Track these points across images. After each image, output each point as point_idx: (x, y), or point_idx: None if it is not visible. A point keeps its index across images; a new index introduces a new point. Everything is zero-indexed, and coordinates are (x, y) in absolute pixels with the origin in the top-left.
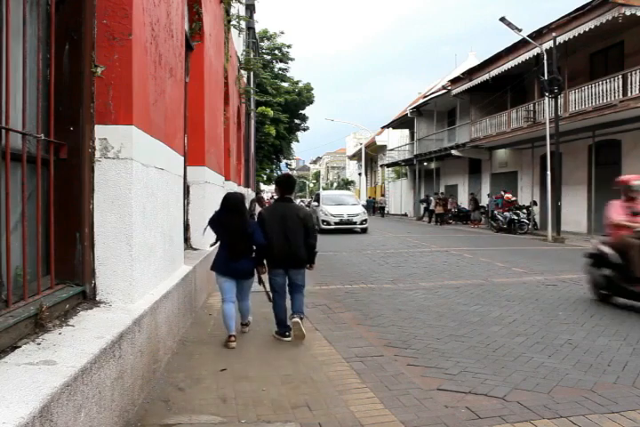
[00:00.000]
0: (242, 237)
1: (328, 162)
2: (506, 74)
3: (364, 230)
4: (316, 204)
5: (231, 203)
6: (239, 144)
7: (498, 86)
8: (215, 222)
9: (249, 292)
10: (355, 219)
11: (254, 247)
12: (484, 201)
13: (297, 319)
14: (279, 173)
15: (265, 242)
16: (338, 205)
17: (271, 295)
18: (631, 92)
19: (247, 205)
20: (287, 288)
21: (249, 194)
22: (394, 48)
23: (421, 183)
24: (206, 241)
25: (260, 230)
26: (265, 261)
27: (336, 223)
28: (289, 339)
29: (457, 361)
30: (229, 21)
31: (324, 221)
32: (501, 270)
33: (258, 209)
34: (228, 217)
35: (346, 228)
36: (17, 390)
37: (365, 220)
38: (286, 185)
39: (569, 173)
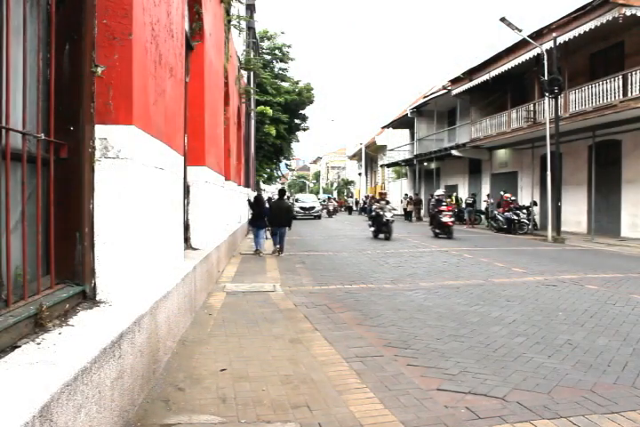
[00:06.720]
0: (260, 211)
1: (328, 162)
2: (506, 74)
3: None
4: None
5: (258, 199)
6: (239, 144)
7: (498, 86)
8: (252, 206)
9: (263, 234)
10: None
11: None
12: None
13: (279, 251)
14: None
15: (269, 215)
16: None
17: (270, 236)
18: (631, 92)
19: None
20: (277, 234)
21: (249, 193)
22: (393, 47)
23: (421, 183)
24: (207, 241)
25: (268, 210)
26: (268, 223)
27: None
28: (277, 253)
29: (457, 361)
30: (229, 21)
31: None
32: (501, 270)
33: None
34: (257, 203)
35: None
36: (17, 390)
37: None
38: (281, 193)
39: (569, 173)
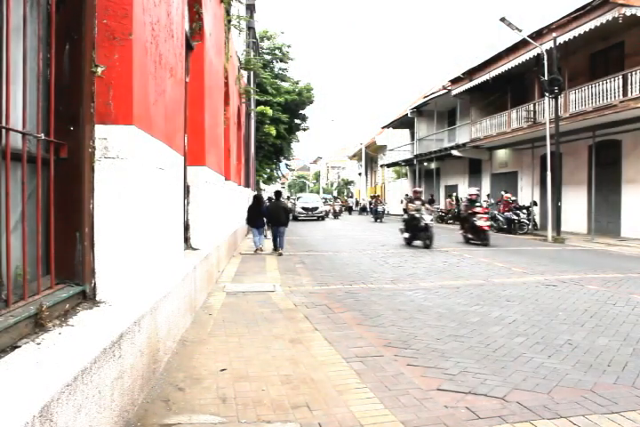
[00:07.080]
0: (259, 211)
1: (328, 162)
2: (506, 74)
3: None
4: None
5: (257, 197)
6: (239, 144)
7: (498, 86)
8: (251, 205)
9: (262, 233)
10: None
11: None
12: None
13: (280, 250)
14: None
15: (268, 214)
16: None
17: (269, 234)
18: (631, 92)
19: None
20: (276, 234)
21: (249, 199)
22: (394, 47)
23: (421, 183)
24: (207, 241)
25: (266, 210)
26: (267, 222)
27: None
28: (278, 252)
29: (457, 361)
30: (229, 21)
31: None
32: (501, 270)
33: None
34: (256, 203)
35: None
36: (17, 390)
37: None
38: (277, 195)
39: (569, 173)
